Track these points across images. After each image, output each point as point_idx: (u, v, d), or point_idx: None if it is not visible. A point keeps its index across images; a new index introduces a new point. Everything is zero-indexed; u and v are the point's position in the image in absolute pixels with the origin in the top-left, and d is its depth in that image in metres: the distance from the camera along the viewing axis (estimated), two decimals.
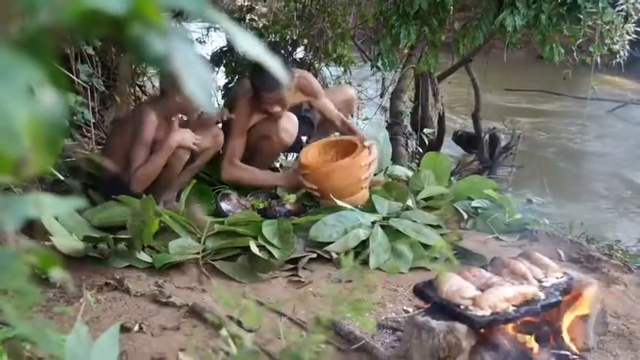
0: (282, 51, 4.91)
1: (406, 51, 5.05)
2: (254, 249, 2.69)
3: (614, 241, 4.26)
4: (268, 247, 2.77)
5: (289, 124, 3.41)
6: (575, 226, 3.63)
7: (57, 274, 0.62)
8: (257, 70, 3.28)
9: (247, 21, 5.01)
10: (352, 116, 4.22)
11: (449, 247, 1.31)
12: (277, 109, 3.33)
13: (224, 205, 3.05)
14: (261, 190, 3.33)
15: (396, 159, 4.16)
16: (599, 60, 4.77)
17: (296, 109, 3.59)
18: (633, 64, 6.91)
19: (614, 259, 3.12)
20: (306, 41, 4.99)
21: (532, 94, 8.00)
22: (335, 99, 3.64)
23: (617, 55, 4.70)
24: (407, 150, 4.64)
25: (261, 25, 5.09)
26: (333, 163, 3.25)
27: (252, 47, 0.57)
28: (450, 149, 6.47)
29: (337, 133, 3.64)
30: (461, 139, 6.70)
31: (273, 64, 0.58)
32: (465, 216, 3.28)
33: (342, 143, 3.40)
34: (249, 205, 3.15)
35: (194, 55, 0.52)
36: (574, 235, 3.48)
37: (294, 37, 4.92)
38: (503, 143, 6.30)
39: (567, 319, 2.23)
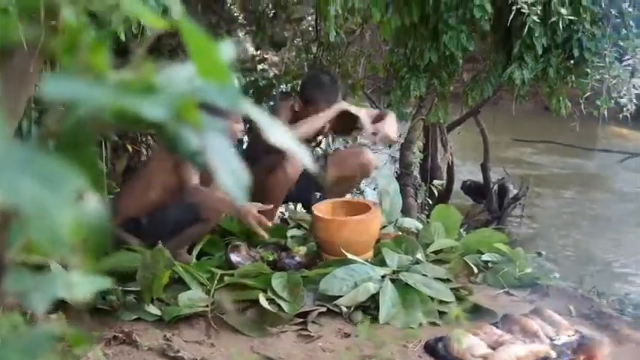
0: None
1: (412, 99, 5.09)
2: (263, 302, 2.69)
3: (623, 294, 4.23)
4: (278, 300, 2.76)
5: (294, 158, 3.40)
6: (585, 279, 3.61)
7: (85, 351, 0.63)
8: (315, 82, 3.54)
9: (259, 71, 5.08)
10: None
11: (464, 315, 1.30)
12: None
13: (233, 257, 3.05)
14: (270, 243, 3.33)
15: (405, 211, 4.16)
16: (606, 113, 4.80)
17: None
18: None
19: (626, 315, 3.09)
20: None
21: (540, 145, 8.04)
22: (349, 160, 3.65)
23: (625, 109, 4.73)
24: (416, 201, 4.66)
25: (272, 74, 5.16)
26: (347, 217, 3.24)
27: (281, 137, 0.58)
28: (459, 199, 6.47)
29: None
30: (470, 189, 6.71)
31: (302, 152, 0.59)
32: (475, 270, 3.27)
33: (354, 204, 3.44)
34: (258, 257, 3.15)
35: (228, 149, 0.54)
36: (585, 289, 3.46)
37: None
38: (512, 194, 6.31)
39: None
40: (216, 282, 2.84)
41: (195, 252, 3.15)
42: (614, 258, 5.56)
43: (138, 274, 2.62)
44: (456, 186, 6.25)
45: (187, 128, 0.51)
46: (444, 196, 5.67)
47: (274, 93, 4.82)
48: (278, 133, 0.58)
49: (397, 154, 5.37)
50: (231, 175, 0.53)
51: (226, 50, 0.52)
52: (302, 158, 0.60)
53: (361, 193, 4.93)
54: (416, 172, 5.01)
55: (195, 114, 0.49)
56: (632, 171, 7.68)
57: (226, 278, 2.88)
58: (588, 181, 7.74)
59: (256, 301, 2.72)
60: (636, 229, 6.14)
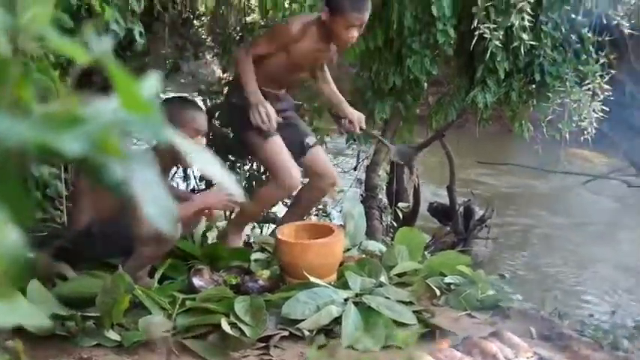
0: None
1: (378, 122, 5.14)
2: (225, 327, 2.67)
3: (587, 315, 4.28)
4: (240, 324, 2.74)
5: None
6: (546, 301, 3.65)
7: None
8: None
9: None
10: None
11: (413, 339, 1.31)
12: (355, 34, 3.28)
13: (196, 281, 3.03)
14: (233, 266, 3.32)
15: (370, 233, 4.18)
16: (567, 136, 4.90)
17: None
18: (604, 139, 7.08)
19: (586, 336, 3.13)
20: None
21: (504, 167, 8.17)
22: (321, 167, 3.64)
23: (585, 132, 4.84)
24: (382, 224, 4.68)
25: None
26: (311, 241, 3.25)
27: (209, 165, 0.59)
28: (426, 221, 6.53)
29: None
30: (436, 211, 6.77)
31: (228, 180, 0.60)
32: (438, 292, 3.28)
33: (318, 227, 3.44)
34: (221, 280, 3.13)
35: (154, 179, 0.54)
36: (546, 311, 3.49)
37: None
38: (477, 215, 6.37)
39: None
40: (177, 306, 2.82)
41: (157, 276, 3.12)
42: (576, 280, 5.64)
43: (97, 299, 2.59)
44: (423, 208, 6.30)
45: (111, 159, 0.52)
46: (411, 218, 5.70)
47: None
48: (205, 162, 0.59)
49: (363, 177, 5.40)
50: (157, 206, 0.53)
51: (151, 84, 0.53)
52: (229, 188, 0.61)
53: (327, 215, 4.94)
54: (382, 195, 5.04)
55: (116, 146, 0.49)
56: (593, 193, 7.82)
57: (188, 302, 2.85)
58: (551, 202, 7.86)
59: (218, 326, 2.70)
60: (597, 250, 6.24)
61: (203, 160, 0.59)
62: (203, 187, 4.64)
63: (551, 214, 7.36)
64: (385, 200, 5.32)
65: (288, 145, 3.43)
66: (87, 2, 2.51)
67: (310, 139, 3.65)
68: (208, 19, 6.75)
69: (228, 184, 0.61)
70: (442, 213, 6.67)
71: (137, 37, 2.93)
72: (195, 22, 6.44)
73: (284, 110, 3.56)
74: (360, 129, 3.70)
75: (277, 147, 3.36)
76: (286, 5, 3.78)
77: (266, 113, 3.26)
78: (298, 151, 3.55)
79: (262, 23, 5.58)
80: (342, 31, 3.25)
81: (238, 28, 5.41)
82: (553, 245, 6.48)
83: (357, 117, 3.66)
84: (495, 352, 2.27)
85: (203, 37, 6.51)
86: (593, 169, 8.56)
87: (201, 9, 6.66)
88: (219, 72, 5.88)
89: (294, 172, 3.37)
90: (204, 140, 3.17)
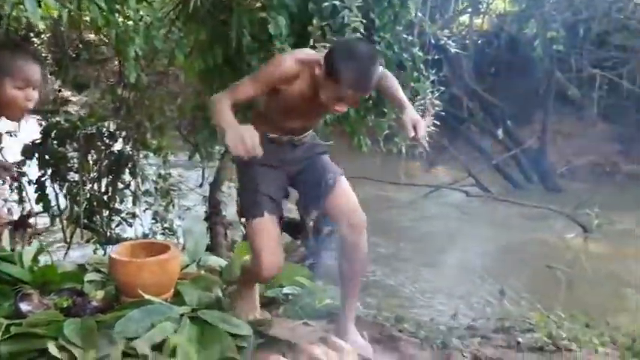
0: (99, 143, 4.88)
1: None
2: (53, 351, 2.58)
3: (428, 319, 4.50)
4: (70, 347, 2.65)
5: None
6: (382, 307, 3.82)
7: None
8: (345, 54, 2.56)
9: (62, 112, 4.93)
10: None
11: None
12: (343, 109, 2.69)
13: (23, 306, 2.90)
14: (65, 289, 3.21)
15: (214, 249, 4.19)
16: (404, 149, 5.15)
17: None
18: (444, 152, 7.49)
19: (418, 338, 3.30)
20: (124, 133, 4.99)
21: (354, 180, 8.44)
22: None
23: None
24: (226, 240, 4.70)
25: (77, 116, 5.03)
26: (145, 259, 3.20)
27: None
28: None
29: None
30: (287, 225, 6.85)
31: None
32: (277, 303, 3.35)
33: (153, 245, 3.40)
34: (51, 304, 3.02)
35: None
36: (383, 316, 3.65)
37: (111, 130, 4.91)
38: (327, 229, 6.52)
39: None
40: (1, 333, 2.69)
41: None
42: (420, 286, 5.92)
43: None
44: None
45: None
46: None
47: (78, 135, 4.70)
48: None
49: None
50: None
51: None
52: None
53: (173, 233, 4.91)
54: (226, 212, 5.06)
55: None
56: (435, 203, 8.26)
57: (12, 328, 2.72)
58: (395, 213, 8.19)
59: (46, 351, 2.60)
60: (440, 257, 6.58)
61: None
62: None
63: (395, 225, 7.67)
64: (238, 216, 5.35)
65: (306, 189, 3.00)
66: None
67: (331, 177, 2.97)
68: (48, 36, 6.53)
69: None
70: (293, 227, 6.77)
71: None
72: (35, 39, 6.21)
73: (301, 159, 3.01)
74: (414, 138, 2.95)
75: (261, 229, 2.85)
76: (120, 22, 3.71)
77: (242, 138, 2.40)
78: (316, 194, 2.97)
79: (106, 41, 5.48)
80: (331, 98, 2.64)
81: (77, 45, 5.28)
82: (398, 255, 6.76)
83: (412, 122, 2.91)
84: (320, 357, 2.35)
85: (43, 55, 6.28)
86: (434, 181, 9.04)
87: (41, 27, 6.42)
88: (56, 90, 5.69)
89: (268, 264, 2.87)
90: (36, 94, 2.74)
